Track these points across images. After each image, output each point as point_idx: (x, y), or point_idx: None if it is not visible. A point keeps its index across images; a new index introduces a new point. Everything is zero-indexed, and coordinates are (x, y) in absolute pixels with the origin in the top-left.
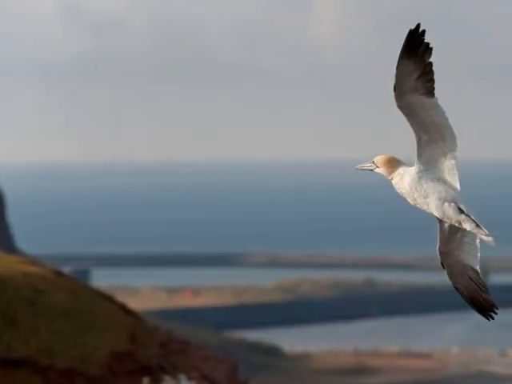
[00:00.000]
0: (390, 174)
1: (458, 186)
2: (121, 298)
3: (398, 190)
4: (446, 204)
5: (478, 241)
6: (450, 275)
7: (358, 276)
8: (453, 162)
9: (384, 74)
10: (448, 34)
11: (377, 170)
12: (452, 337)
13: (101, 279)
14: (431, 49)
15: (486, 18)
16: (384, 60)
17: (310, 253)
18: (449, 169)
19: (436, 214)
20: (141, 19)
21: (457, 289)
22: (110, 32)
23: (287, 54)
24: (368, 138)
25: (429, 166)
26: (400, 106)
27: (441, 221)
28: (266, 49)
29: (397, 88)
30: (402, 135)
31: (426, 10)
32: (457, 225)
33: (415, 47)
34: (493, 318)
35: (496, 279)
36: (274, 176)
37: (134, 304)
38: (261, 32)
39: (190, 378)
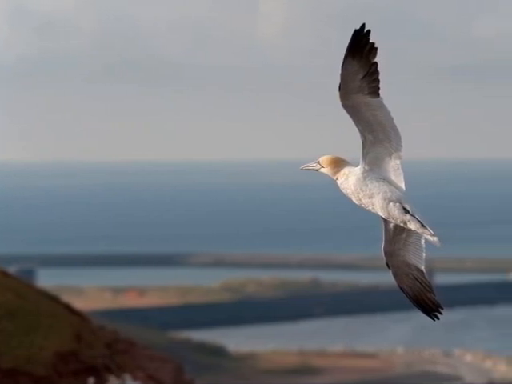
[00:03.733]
0: (335, 174)
1: (403, 185)
2: (66, 298)
3: (343, 190)
4: (391, 204)
5: (423, 241)
6: (395, 275)
7: (304, 276)
8: (398, 162)
9: (331, 74)
10: (396, 33)
11: (322, 170)
12: (397, 337)
13: (46, 279)
14: (376, 49)
15: (437, 18)
16: (331, 60)
17: (255, 253)
18: (394, 169)
19: (381, 214)
20: (89, 19)
21: (402, 289)
22: (58, 32)
23: (236, 54)
24: (314, 139)
25: (374, 166)
26: (345, 106)
27: (386, 221)
28: (216, 49)
29: (342, 88)
30: (348, 135)
31: (376, 9)
32: (402, 225)
33: (360, 47)
34: (438, 318)
35: (441, 279)
36: (219, 176)
37: (80, 304)
38: (210, 32)
39: (135, 378)
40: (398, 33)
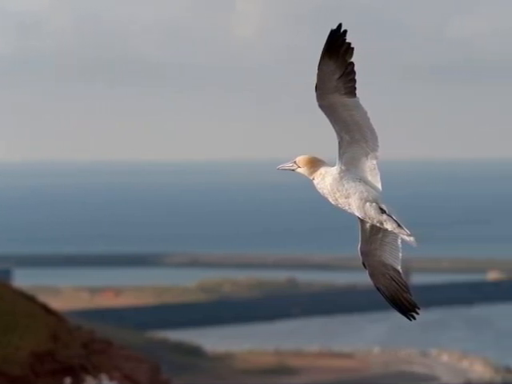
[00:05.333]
0: (312, 174)
1: (379, 185)
2: (43, 298)
3: (320, 190)
4: (368, 204)
5: (400, 241)
6: (372, 275)
7: (280, 276)
8: (374, 162)
9: (307, 74)
10: (372, 33)
11: (298, 170)
12: (374, 337)
13: (22, 279)
14: (352, 49)
15: (411, 18)
16: (308, 59)
17: (232, 253)
18: (370, 169)
19: (357, 214)
20: (65, 19)
21: (378, 289)
22: (34, 32)
23: (211, 53)
24: (290, 138)
25: (350, 166)
26: (321, 106)
27: (362, 221)
28: (190, 49)
29: (318, 88)
30: (325, 135)
31: (351, 9)
32: (378, 225)
33: (336, 47)
34: (414, 318)
35: (418, 279)
36: (195, 176)
37: (56, 304)
38: (184, 32)
39: (111, 378)
40: (375, 33)
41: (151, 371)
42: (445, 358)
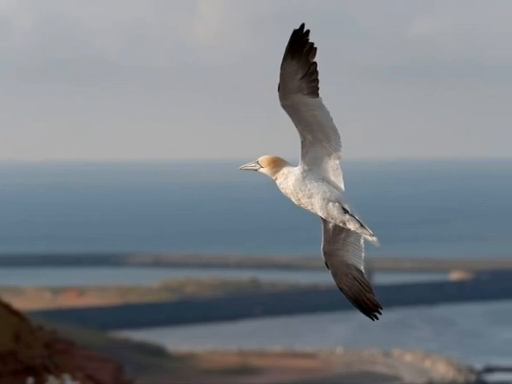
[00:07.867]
0: (274, 173)
1: (342, 185)
2: (5, 297)
3: (282, 190)
4: (331, 204)
5: (363, 241)
6: (335, 275)
7: (243, 276)
8: (337, 161)
9: (269, 74)
10: (335, 34)
11: (261, 169)
12: (336, 337)
13: None
14: (315, 49)
15: (374, 19)
16: (269, 60)
17: (194, 253)
18: (333, 169)
19: (320, 214)
20: (27, 19)
21: (341, 289)
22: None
23: (172, 54)
24: (253, 139)
25: (313, 166)
26: (284, 106)
27: (325, 221)
28: (151, 49)
29: (281, 88)
30: (287, 135)
31: (314, 10)
32: (341, 225)
33: (299, 47)
34: (377, 318)
35: (380, 279)
36: (156, 176)
37: (19, 304)
38: (146, 32)
39: (74, 378)
40: (333, 33)
41: (114, 371)
42: (408, 357)
